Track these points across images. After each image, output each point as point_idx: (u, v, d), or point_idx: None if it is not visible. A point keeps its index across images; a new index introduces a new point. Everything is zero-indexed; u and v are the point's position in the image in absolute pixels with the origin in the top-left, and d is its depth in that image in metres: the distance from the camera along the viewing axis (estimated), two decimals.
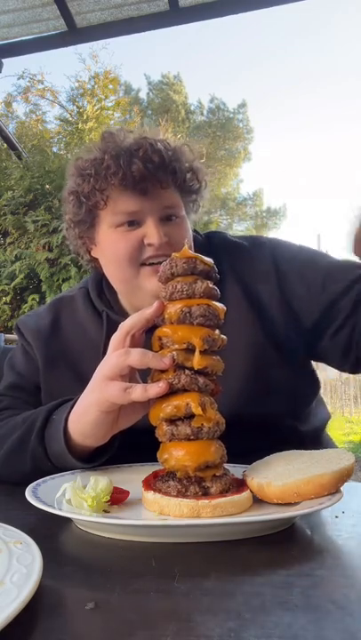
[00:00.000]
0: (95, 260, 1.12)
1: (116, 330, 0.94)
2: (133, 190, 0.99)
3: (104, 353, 1.05)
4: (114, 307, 1.14)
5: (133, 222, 1.01)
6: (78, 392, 0.85)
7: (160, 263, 1.00)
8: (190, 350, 0.71)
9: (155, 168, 0.99)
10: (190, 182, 1.08)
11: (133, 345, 0.77)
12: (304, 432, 1.09)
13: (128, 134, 1.05)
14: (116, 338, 0.78)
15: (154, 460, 0.73)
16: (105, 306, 1.13)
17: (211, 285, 0.74)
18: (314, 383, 1.16)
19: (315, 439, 1.15)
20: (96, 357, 1.07)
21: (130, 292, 1.07)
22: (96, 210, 1.04)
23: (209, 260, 0.76)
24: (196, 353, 0.70)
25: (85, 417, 0.80)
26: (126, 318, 1.07)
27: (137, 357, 0.72)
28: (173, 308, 0.72)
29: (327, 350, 1.04)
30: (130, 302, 1.11)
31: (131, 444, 0.87)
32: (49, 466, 0.87)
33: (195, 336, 0.70)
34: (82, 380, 0.90)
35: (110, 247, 1.04)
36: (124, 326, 0.77)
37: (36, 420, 0.90)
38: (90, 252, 1.11)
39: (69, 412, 0.84)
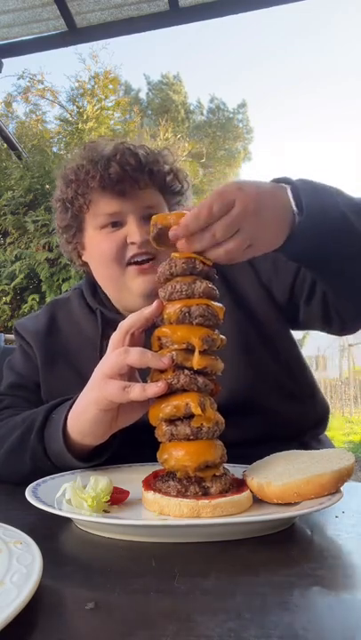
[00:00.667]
0: (86, 264, 1.16)
1: (110, 326, 0.99)
2: (112, 192, 1.04)
3: (100, 350, 1.07)
4: (107, 305, 1.17)
5: (116, 223, 1.05)
6: (77, 390, 0.85)
7: (144, 261, 1.04)
8: (190, 350, 0.71)
9: (132, 170, 1.03)
10: (172, 184, 1.13)
11: (133, 344, 0.77)
12: (303, 420, 1.11)
13: (109, 142, 1.10)
14: (115, 337, 0.78)
15: (155, 457, 0.73)
16: (98, 304, 1.16)
17: (210, 285, 0.74)
18: (303, 367, 1.16)
19: (316, 429, 1.15)
20: (92, 354, 1.09)
21: (118, 293, 1.10)
22: (81, 214, 1.09)
23: (209, 260, 0.76)
24: (196, 353, 0.70)
25: (84, 415, 0.80)
26: (119, 316, 1.09)
27: (136, 357, 0.72)
28: (172, 308, 0.72)
29: (308, 319, 1.07)
30: (120, 303, 1.13)
31: (131, 441, 0.87)
32: (49, 465, 0.87)
33: (194, 336, 0.70)
34: (80, 378, 0.91)
35: (96, 248, 1.08)
36: (124, 325, 0.77)
37: (36, 419, 0.90)
38: (81, 257, 1.16)
39: (68, 410, 0.84)
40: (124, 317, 1.09)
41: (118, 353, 0.74)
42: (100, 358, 1.07)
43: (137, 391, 0.71)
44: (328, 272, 0.90)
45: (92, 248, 1.11)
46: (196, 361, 0.70)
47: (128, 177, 1.03)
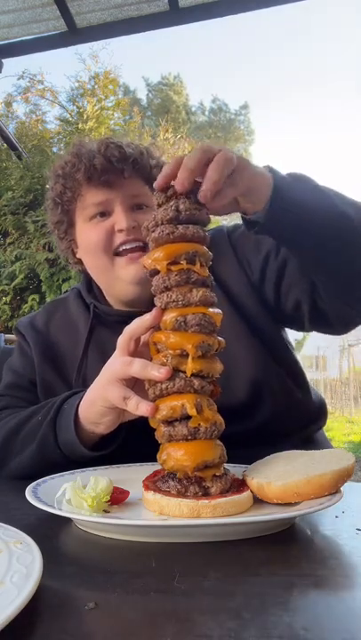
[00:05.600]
0: (81, 262, 1.18)
1: (102, 320, 1.12)
2: (98, 182, 1.06)
3: (86, 343, 1.13)
4: (101, 300, 1.19)
5: (104, 213, 1.08)
6: (67, 388, 0.88)
7: (134, 249, 1.05)
8: (185, 355, 0.71)
9: (116, 160, 1.06)
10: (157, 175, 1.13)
11: (136, 349, 0.80)
12: (304, 411, 1.12)
13: (95, 140, 1.13)
14: (121, 341, 0.80)
15: (154, 457, 0.74)
16: (93, 299, 1.18)
17: (207, 293, 0.73)
18: (295, 362, 1.16)
19: (316, 422, 1.16)
20: (76, 349, 1.13)
21: (109, 282, 1.13)
22: (70, 207, 1.12)
23: (204, 268, 0.75)
24: (189, 360, 0.70)
25: (93, 408, 0.85)
26: (111, 309, 1.14)
27: (138, 369, 0.75)
28: (168, 317, 0.72)
29: (287, 310, 1.05)
30: (112, 295, 1.15)
31: (131, 441, 0.89)
32: (58, 454, 0.89)
33: (188, 342, 0.70)
34: (68, 375, 0.89)
35: (85, 239, 1.11)
36: (128, 331, 0.79)
37: (50, 409, 0.93)
38: (75, 255, 1.19)
39: (80, 401, 0.88)
40: (114, 310, 1.13)
41: (123, 362, 0.77)
42: (83, 354, 1.09)
43: (132, 404, 0.76)
44: (311, 252, 0.88)
45: (82, 240, 1.13)
46: (190, 368, 0.70)
47: (113, 167, 1.06)
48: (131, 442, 0.90)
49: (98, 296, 1.20)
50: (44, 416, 0.93)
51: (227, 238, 1.13)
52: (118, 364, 0.78)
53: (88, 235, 1.09)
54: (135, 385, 0.80)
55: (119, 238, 1.06)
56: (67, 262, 1.24)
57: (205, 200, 0.73)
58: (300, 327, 1.11)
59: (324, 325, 1.04)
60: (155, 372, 0.72)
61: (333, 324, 1.03)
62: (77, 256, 1.18)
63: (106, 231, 1.06)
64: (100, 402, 0.83)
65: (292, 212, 0.81)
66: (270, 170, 0.82)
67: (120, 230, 1.05)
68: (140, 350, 0.80)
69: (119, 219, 1.05)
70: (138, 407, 0.74)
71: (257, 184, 0.79)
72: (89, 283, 1.23)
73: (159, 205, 0.77)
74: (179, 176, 0.73)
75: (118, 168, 1.06)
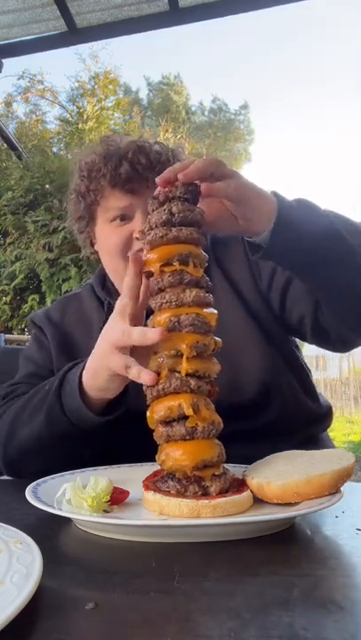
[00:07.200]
0: (97, 252, 1.21)
1: None
2: (122, 189, 1.08)
3: None
4: (115, 297, 1.19)
5: (125, 217, 1.09)
6: None
7: None
8: (181, 355, 0.71)
9: (142, 169, 1.07)
10: None
11: (134, 313, 0.80)
12: (310, 413, 1.13)
13: (125, 138, 1.14)
14: (120, 304, 0.80)
15: (152, 454, 0.74)
16: (107, 295, 1.21)
17: (200, 293, 0.73)
18: (302, 366, 1.17)
19: (322, 423, 1.17)
20: (90, 343, 1.15)
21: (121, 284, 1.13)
22: (92, 206, 1.13)
23: (198, 269, 0.75)
24: (184, 359, 0.70)
25: (98, 377, 0.85)
26: None
27: (138, 337, 0.75)
28: (162, 317, 0.72)
29: (293, 322, 1.08)
30: None
31: (144, 433, 0.89)
32: (65, 421, 0.89)
33: (182, 342, 0.70)
34: None
35: (104, 240, 1.14)
36: (127, 295, 0.80)
37: (53, 382, 0.94)
38: (93, 246, 1.22)
39: (82, 370, 0.88)
40: None
41: (123, 331, 0.77)
42: None
43: (134, 372, 0.76)
44: (314, 275, 0.90)
45: (100, 239, 1.16)
46: (184, 367, 0.70)
47: (138, 176, 1.07)
48: (131, 441, 0.90)
49: (112, 292, 1.22)
50: (49, 387, 0.94)
51: (240, 239, 1.15)
52: (118, 333, 0.78)
53: (108, 236, 1.12)
54: (134, 352, 0.80)
55: (136, 245, 1.07)
56: (83, 248, 1.25)
57: (185, 178, 0.75)
58: (302, 338, 1.13)
59: (325, 342, 1.07)
60: (151, 334, 0.72)
61: (334, 342, 1.05)
62: (95, 248, 1.21)
63: (124, 237, 1.08)
64: (104, 370, 0.83)
65: (296, 239, 0.82)
66: (275, 194, 0.83)
67: (137, 238, 1.06)
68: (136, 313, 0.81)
69: (138, 227, 1.07)
70: (140, 376, 0.74)
71: (253, 199, 0.81)
72: (103, 279, 1.25)
73: (153, 211, 0.77)
74: (187, 170, 0.76)
75: (144, 176, 1.07)
